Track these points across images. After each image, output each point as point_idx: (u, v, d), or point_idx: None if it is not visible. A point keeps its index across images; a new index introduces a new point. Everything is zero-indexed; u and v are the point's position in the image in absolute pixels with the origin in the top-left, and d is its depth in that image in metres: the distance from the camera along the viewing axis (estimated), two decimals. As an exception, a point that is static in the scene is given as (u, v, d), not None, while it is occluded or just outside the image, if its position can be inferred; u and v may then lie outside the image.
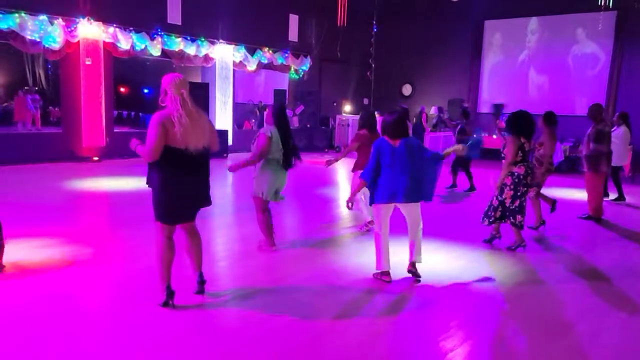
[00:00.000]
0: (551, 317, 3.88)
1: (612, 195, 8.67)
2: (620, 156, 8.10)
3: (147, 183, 3.73)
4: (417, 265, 4.55)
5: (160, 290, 3.74)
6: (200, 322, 3.54)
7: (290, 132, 5.05)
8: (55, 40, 10.51)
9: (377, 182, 4.34)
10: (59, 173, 9.70)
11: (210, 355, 3.10)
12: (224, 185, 9.52)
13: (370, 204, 4.50)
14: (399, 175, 4.28)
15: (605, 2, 11.30)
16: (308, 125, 15.92)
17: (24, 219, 6.08)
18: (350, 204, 4.71)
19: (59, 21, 10.53)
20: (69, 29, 10.71)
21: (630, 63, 13.56)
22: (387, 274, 4.46)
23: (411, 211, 4.47)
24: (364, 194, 6.12)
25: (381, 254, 4.44)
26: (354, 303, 4.06)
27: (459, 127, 9.29)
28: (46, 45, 10.45)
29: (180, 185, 3.59)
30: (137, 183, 8.82)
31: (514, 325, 3.74)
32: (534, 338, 3.53)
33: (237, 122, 15.16)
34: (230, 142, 13.76)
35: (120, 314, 3.63)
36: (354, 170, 6.10)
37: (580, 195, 7.75)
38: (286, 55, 15.25)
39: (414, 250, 4.54)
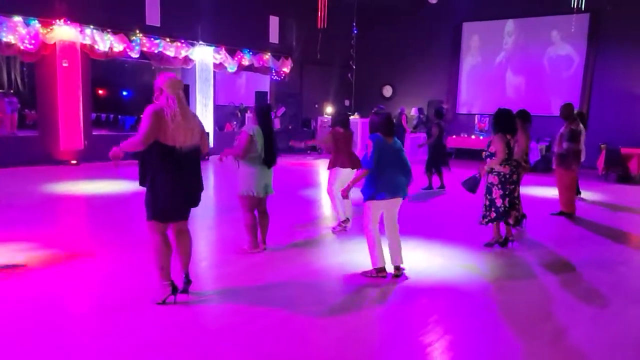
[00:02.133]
0: (526, 311, 3.98)
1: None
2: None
3: (140, 184, 3.76)
4: (401, 267, 4.66)
5: (160, 287, 3.77)
6: (186, 322, 3.54)
7: (273, 131, 5.08)
8: (31, 42, 10.34)
9: (377, 179, 4.39)
10: (37, 177, 9.54)
11: (196, 355, 3.11)
12: (206, 187, 9.47)
13: (368, 200, 4.50)
14: (398, 171, 4.45)
15: (577, 5, 11.58)
16: (290, 127, 15.94)
17: (2, 223, 5.99)
18: (346, 193, 4.79)
19: (35, 23, 10.37)
20: (45, 31, 10.55)
21: (603, 64, 13.90)
22: (384, 269, 4.54)
23: (396, 207, 4.59)
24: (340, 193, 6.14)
25: (375, 250, 4.52)
26: (335, 301, 4.11)
27: (427, 129, 9.52)
28: (22, 47, 10.28)
29: (171, 183, 3.63)
30: (116, 186, 8.74)
31: (490, 320, 3.83)
32: (509, 331, 3.63)
33: (219, 124, 15.10)
34: (211, 144, 13.69)
35: (104, 315, 3.62)
36: (330, 167, 6.13)
37: (555, 192, 7.92)
38: (267, 57, 15.25)
39: (397, 255, 4.63)
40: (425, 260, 5.19)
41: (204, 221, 6.67)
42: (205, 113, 14.19)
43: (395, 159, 4.47)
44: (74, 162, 11.18)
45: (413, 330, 3.61)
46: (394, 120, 16.46)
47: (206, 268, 4.84)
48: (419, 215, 7.34)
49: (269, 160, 5.00)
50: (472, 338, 3.53)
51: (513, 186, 5.45)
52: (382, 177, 4.40)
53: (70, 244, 5.28)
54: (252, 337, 3.37)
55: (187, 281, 3.94)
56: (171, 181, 3.62)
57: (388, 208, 4.58)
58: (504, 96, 15.31)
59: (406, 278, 4.59)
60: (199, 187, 3.88)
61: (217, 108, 14.67)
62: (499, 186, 5.40)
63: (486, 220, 5.55)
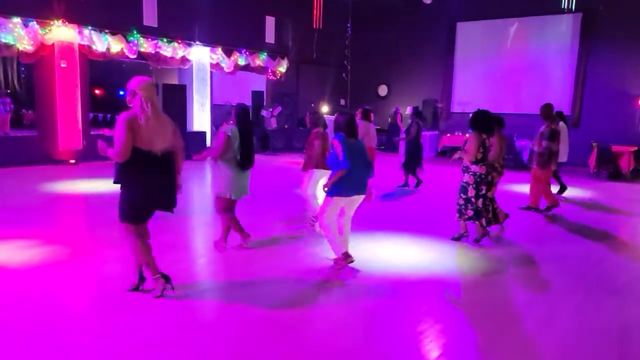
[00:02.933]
0: (512, 302, 4.18)
1: (555, 188, 8.84)
2: (563, 152, 8.12)
3: (114, 182, 3.84)
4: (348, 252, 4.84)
5: (153, 281, 3.89)
6: (176, 315, 3.68)
7: (251, 134, 5.07)
8: (29, 43, 10.44)
9: (346, 177, 4.50)
10: (36, 176, 9.65)
11: (186, 346, 3.25)
12: (203, 186, 9.60)
13: (333, 195, 4.61)
14: (360, 170, 4.58)
15: (568, 5, 11.76)
16: (286, 126, 16.07)
17: (2, 221, 6.11)
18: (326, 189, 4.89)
19: (33, 24, 10.47)
20: (44, 32, 10.65)
21: (596, 63, 14.10)
22: (348, 254, 4.69)
23: (356, 204, 4.75)
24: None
25: (335, 240, 4.70)
26: (328, 293, 4.27)
27: (407, 127, 9.69)
28: (20, 48, 10.39)
29: (147, 185, 3.71)
30: (114, 185, 8.85)
31: (480, 310, 4.00)
32: (498, 319, 3.80)
33: (216, 124, 15.21)
34: (208, 143, 13.83)
35: (100, 310, 3.76)
36: (305, 169, 6.09)
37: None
38: (264, 57, 15.38)
39: (347, 243, 4.86)
40: (418, 255, 5.35)
41: (202, 218, 6.81)
42: (202, 112, 14.32)
43: (359, 158, 4.59)
44: (72, 161, 11.30)
45: (405, 320, 3.77)
46: (389, 120, 16.59)
47: (197, 264, 4.99)
48: (410, 212, 7.51)
49: (244, 163, 4.99)
50: (461, 328, 3.70)
51: (486, 187, 5.57)
52: (349, 175, 4.49)
53: (69, 241, 5.41)
54: (240, 328, 3.51)
55: (142, 278, 4.01)
56: (146, 184, 3.70)
57: (349, 205, 4.73)
58: (497, 95, 15.51)
59: (357, 270, 4.73)
60: (173, 190, 3.91)
61: (214, 107, 14.79)
62: (474, 186, 5.54)
63: (464, 217, 5.68)
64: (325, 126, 6.19)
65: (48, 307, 3.78)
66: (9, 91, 16.06)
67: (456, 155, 5.67)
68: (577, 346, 3.43)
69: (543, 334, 3.61)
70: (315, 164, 6.01)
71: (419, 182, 9.52)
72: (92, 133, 12.18)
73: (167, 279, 3.91)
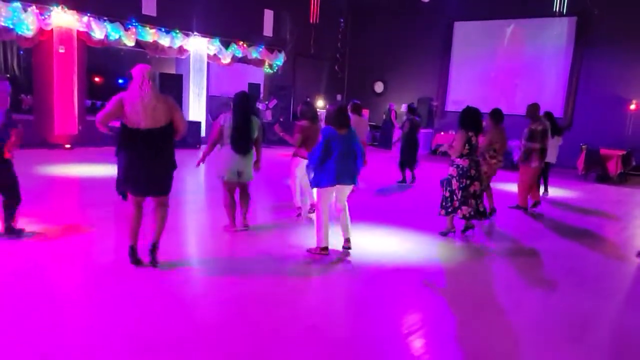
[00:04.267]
0: (484, 290, 4.38)
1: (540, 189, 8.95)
2: (549, 153, 8.01)
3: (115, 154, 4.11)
4: (350, 239, 5.05)
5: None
6: (169, 287, 3.86)
7: (245, 119, 5.21)
8: (28, 28, 10.55)
9: (324, 167, 4.69)
10: (31, 159, 9.75)
11: (178, 317, 3.41)
12: (211, 171, 9.74)
13: (315, 187, 4.84)
14: (345, 160, 4.73)
15: (560, 8, 11.92)
16: (281, 119, 16.19)
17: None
18: None
19: (33, 8, 10.57)
20: (43, 17, 10.76)
21: (589, 66, 14.26)
22: (326, 248, 4.89)
23: (345, 193, 4.93)
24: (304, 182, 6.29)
25: (322, 231, 4.87)
26: (310, 276, 4.46)
27: (401, 124, 9.83)
28: (19, 33, 10.49)
29: (129, 160, 3.99)
30: (108, 170, 8.99)
31: (449, 296, 4.19)
32: (469, 305, 3.99)
33: (213, 115, 15.32)
34: (203, 133, 13.96)
35: (91, 283, 3.93)
36: (294, 156, 6.28)
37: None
38: (260, 49, 15.50)
39: (346, 229, 5.05)
40: (396, 245, 5.54)
41: (199, 200, 6.96)
42: (198, 103, 14.46)
43: (347, 149, 4.72)
44: (68, 146, 11.43)
45: (383, 301, 3.96)
46: (384, 116, 16.65)
47: (195, 241, 5.16)
48: (392, 205, 7.68)
49: (234, 147, 5.18)
50: (435, 309, 3.89)
51: (469, 181, 5.64)
52: (327, 166, 4.66)
53: (62, 220, 5.56)
54: (229, 302, 3.71)
55: (153, 249, 4.20)
56: (129, 158, 3.99)
57: (338, 192, 4.91)
58: (492, 95, 15.65)
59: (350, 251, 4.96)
60: (165, 168, 4.11)
61: (211, 99, 14.91)
62: (457, 178, 5.68)
63: (446, 211, 5.78)
64: (315, 119, 6.27)
65: (41, 279, 3.93)
66: (9, 75, 16.11)
67: (443, 148, 5.86)
68: (538, 331, 3.61)
69: (510, 318, 3.80)
70: (294, 153, 6.24)
71: (403, 180, 9.65)
72: (88, 119, 12.29)
73: (133, 253, 4.17)
